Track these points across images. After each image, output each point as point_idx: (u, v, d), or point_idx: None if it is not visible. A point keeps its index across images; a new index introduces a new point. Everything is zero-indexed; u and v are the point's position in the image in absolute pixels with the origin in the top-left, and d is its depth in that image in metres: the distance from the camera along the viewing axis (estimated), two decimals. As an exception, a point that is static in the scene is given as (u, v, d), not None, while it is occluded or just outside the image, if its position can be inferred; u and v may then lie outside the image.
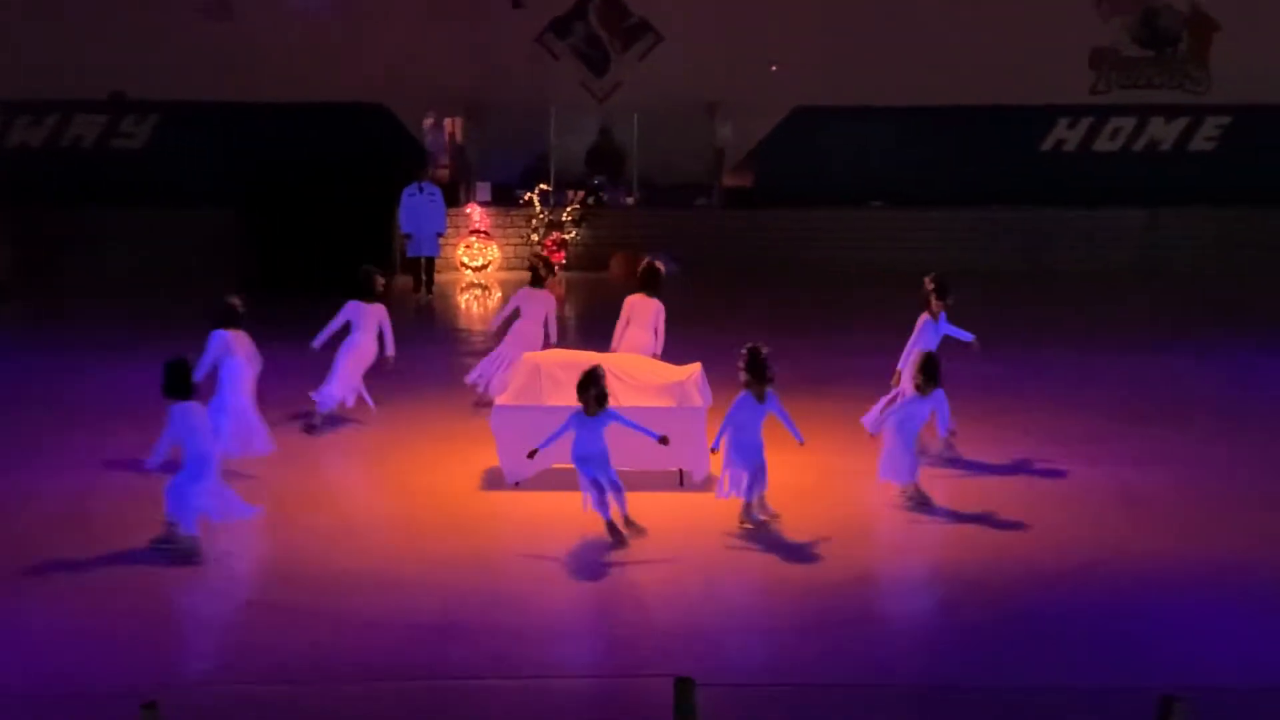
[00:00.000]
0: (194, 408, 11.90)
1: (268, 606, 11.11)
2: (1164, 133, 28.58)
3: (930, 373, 13.09)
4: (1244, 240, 27.21)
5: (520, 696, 9.44)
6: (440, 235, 24.88)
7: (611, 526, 12.20)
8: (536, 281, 16.56)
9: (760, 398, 12.47)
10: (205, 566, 11.71)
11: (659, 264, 15.99)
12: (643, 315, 15.73)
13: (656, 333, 15.76)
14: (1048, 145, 28.52)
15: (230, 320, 14.31)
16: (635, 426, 12.31)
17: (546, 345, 15.99)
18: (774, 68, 27.72)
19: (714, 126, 27.87)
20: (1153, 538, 12.47)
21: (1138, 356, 19.52)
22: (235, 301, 14.49)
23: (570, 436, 12.21)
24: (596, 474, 12.16)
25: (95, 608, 10.86)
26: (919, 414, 13.21)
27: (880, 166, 27.72)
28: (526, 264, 16.91)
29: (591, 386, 12.17)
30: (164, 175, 27.18)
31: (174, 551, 11.70)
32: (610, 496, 12.21)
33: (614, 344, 15.64)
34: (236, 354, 14.22)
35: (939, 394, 13.14)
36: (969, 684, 9.63)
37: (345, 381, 15.53)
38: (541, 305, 16.35)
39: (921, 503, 13.06)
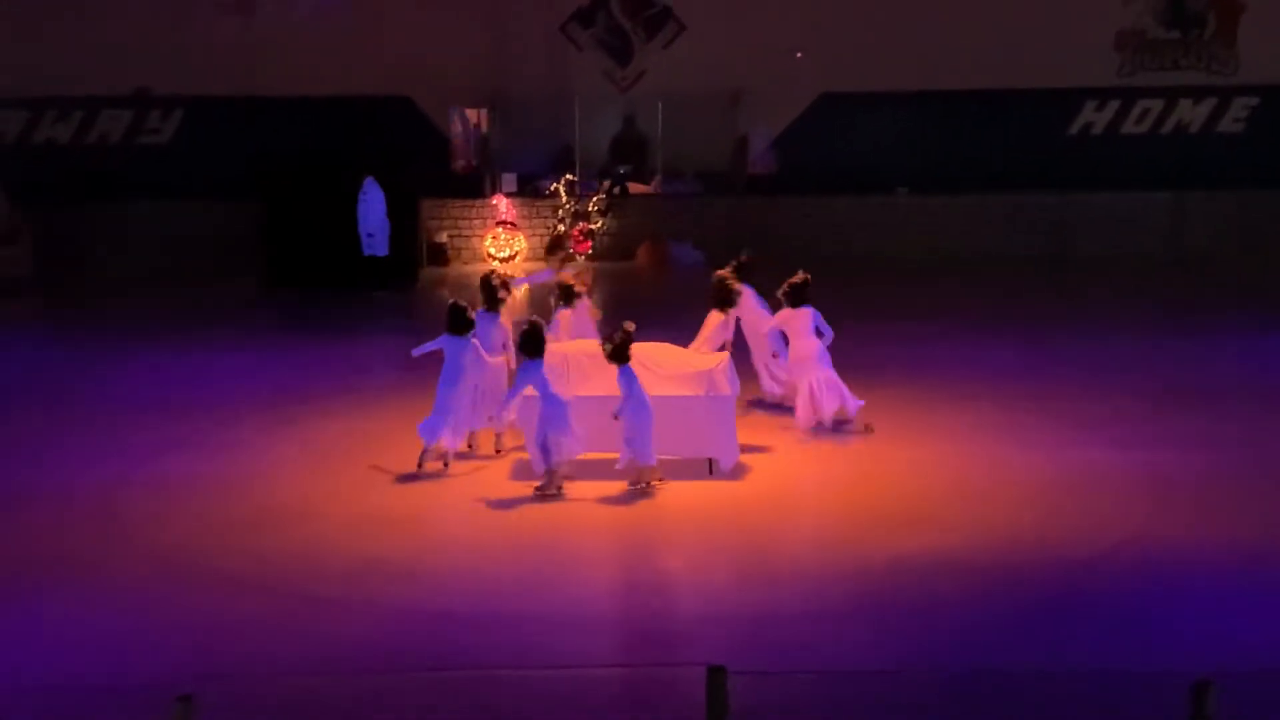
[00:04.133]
0: None
1: (299, 598, 11.14)
2: (1192, 115, 28.40)
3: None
4: (1273, 222, 27.03)
5: (551, 686, 9.45)
6: (370, 235, 23.99)
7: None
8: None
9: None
10: (235, 560, 11.77)
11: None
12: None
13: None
14: (1075, 129, 28.37)
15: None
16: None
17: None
18: (799, 55, 27.64)
19: (738, 114, 27.82)
20: (1182, 521, 12.42)
21: (1165, 340, 19.42)
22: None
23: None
24: None
25: (126, 603, 10.91)
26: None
27: (906, 152, 27.60)
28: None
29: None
30: (189, 170, 27.25)
31: None
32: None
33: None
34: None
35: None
36: (1000, 668, 9.61)
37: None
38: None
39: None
